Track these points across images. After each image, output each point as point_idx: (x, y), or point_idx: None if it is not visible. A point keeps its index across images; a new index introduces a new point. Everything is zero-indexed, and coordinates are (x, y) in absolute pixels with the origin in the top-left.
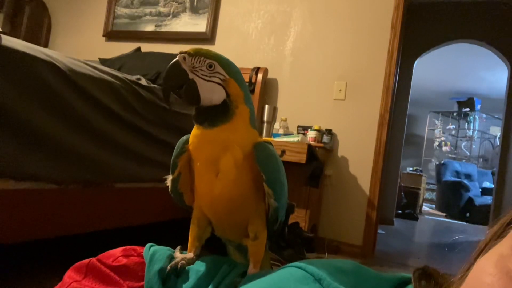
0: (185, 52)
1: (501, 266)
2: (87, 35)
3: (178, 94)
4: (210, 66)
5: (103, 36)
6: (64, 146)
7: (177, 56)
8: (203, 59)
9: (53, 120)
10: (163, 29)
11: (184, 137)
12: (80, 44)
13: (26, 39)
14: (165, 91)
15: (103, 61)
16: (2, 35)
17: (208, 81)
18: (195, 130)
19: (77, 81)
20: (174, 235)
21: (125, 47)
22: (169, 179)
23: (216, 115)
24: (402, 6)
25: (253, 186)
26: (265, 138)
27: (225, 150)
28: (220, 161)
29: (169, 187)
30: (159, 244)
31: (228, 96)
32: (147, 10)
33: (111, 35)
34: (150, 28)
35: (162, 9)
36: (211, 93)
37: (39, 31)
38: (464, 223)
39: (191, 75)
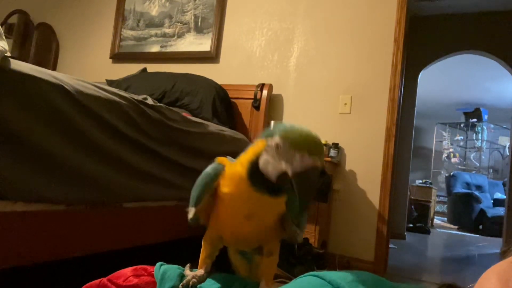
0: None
1: (502, 276)
2: (94, 57)
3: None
4: None
5: (110, 58)
6: (72, 167)
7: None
8: None
9: (61, 141)
10: (168, 49)
11: (211, 172)
12: (87, 67)
13: (34, 62)
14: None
15: (110, 82)
16: (11, 59)
17: None
18: (237, 181)
19: (84, 102)
20: (182, 254)
21: (132, 68)
22: (191, 211)
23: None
24: (404, 19)
25: (278, 219)
26: None
27: (271, 207)
28: (259, 213)
29: (190, 218)
30: (168, 263)
31: None
32: (153, 31)
33: (118, 57)
34: (155, 49)
35: (167, 30)
36: None
37: (48, 55)
38: (477, 235)
39: None
